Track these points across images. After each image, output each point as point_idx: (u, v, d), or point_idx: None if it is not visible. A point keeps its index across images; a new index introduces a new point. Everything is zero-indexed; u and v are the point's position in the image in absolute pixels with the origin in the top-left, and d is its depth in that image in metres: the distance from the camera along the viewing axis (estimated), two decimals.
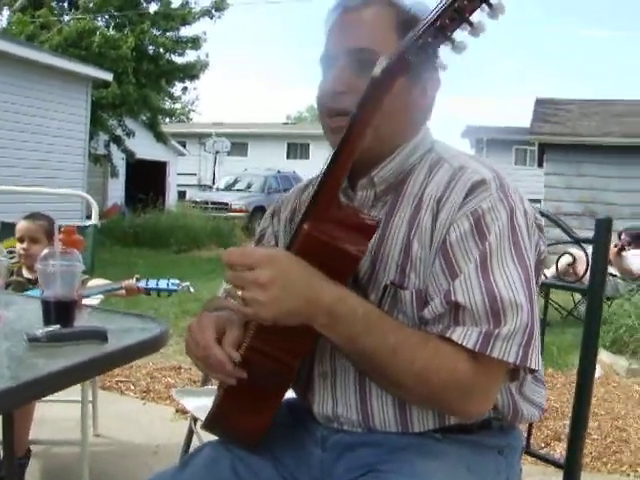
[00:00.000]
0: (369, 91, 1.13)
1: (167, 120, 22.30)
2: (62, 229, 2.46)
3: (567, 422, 1.99)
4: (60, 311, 1.60)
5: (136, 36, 15.37)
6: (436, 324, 1.19)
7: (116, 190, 19.90)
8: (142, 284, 2.97)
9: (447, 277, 1.18)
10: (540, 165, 14.78)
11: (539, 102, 15.60)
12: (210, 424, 1.42)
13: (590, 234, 1.66)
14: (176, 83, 18.35)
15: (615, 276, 7.15)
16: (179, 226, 14.49)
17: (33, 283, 3.03)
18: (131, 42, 15.05)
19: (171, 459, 1.96)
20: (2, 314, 1.72)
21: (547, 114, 14.68)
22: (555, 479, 1.86)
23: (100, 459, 3.21)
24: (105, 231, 12.40)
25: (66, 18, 16.37)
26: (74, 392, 2.78)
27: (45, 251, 1.66)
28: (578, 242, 1.74)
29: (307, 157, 32.98)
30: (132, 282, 2.96)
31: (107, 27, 16.40)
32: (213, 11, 16.59)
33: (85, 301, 2.14)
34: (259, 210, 18.13)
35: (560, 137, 13.73)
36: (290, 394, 1.39)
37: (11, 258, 3.16)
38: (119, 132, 16.62)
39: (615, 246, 7.20)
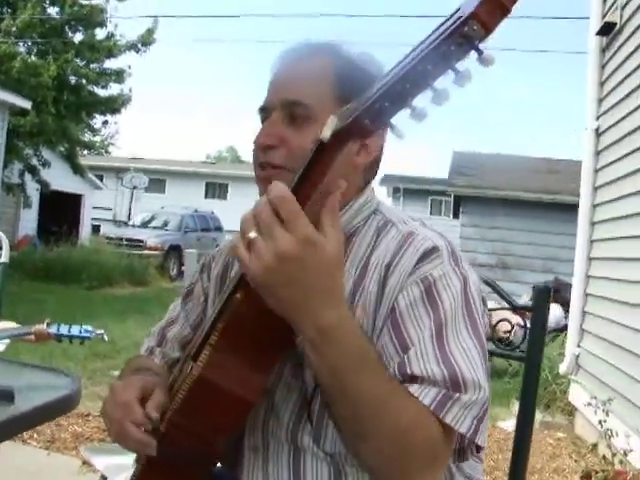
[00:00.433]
0: (316, 156, 0.96)
1: (85, 152, 21.78)
2: None
3: None
4: None
5: (59, 65, 15.01)
6: None
7: (28, 221, 19.27)
8: (53, 329, 2.78)
9: (398, 348, 1.10)
10: (455, 216, 15.14)
11: (456, 154, 16.08)
12: None
13: (505, 286, 1.66)
14: (97, 116, 18.00)
15: None
16: (92, 262, 14.11)
17: None
18: (53, 71, 14.68)
19: None
20: None
21: (463, 166, 15.12)
22: None
23: None
24: (15, 264, 11.90)
25: None
26: None
27: None
28: (516, 309, 1.74)
29: (225, 197, 32.84)
30: (43, 327, 2.77)
31: (29, 53, 15.95)
32: (139, 45, 16.40)
33: None
34: (174, 249, 17.84)
35: (476, 190, 14.12)
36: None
37: None
38: (34, 162, 16.13)
39: (531, 300, 7.36)
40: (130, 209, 22.54)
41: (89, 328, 2.83)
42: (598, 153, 5.61)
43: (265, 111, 1.28)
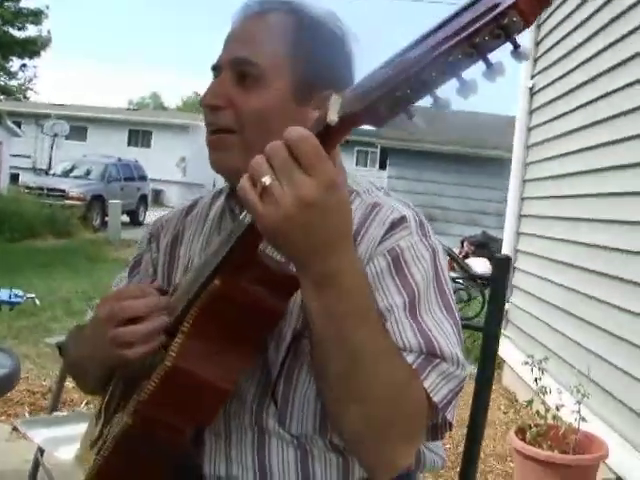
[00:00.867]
0: (321, 139, 0.83)
1: (1, 97, 20.85)
2: None
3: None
4: None
5: None
6: None
7: None
8: None
9: None
10: (382, 168, 15.24)
11: None
12: None
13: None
14: (14, 59, 17.19)
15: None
16: (12, 212, 13.62)
17: None
18: None
19: None
20: None
21: None
22: None
23: None
24: None
25: None
26: None
27: None
28: (475, 279, 1.72)
29: (149, 145, 32.11)
30: None
31: None
32: None
33: None
34: (97, 199, 17.42)
35: (403, 142, 14.23)
36: None
37: None
38: None
39: (460, 253, 7.52)
40: (51, 157, 21.74)
41: (19, 293, 2.73)
42: (532, 112, 5.69)
43: (217, 70, 1.21)
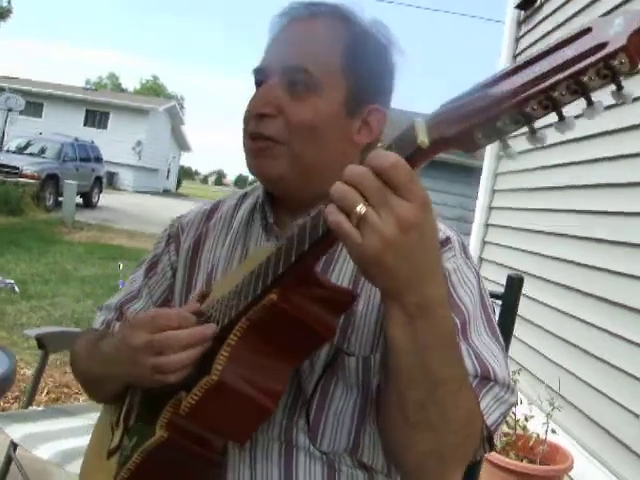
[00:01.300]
0: (409, 161, 0.81)
1: None
2: None
3: None
4: None
5: None
6: None
7: None
8: None
9: None
10: None
11: None
12: None
13: None
14: None
15: None
16: None
17: None
18: None
19: None
20: None
21: None
22: None
23: None
24: None
25: None
26: None
27: None
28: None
29: (105, 127, 31.58)
30: None
31: None
32: None
33: None
34: (51, 178, 16.95)
35: None
36: None
37: None
38: None
39: None
40: (4, 133, 21.14)
41: None
42: None
43: (261, 74, 1.17)
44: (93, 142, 21.53)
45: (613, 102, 0.72)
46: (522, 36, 5.65)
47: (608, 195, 3.72)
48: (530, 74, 0.72)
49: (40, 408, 2.62)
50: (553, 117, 0.71)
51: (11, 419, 2.26)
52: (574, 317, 3.89)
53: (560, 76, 0.69)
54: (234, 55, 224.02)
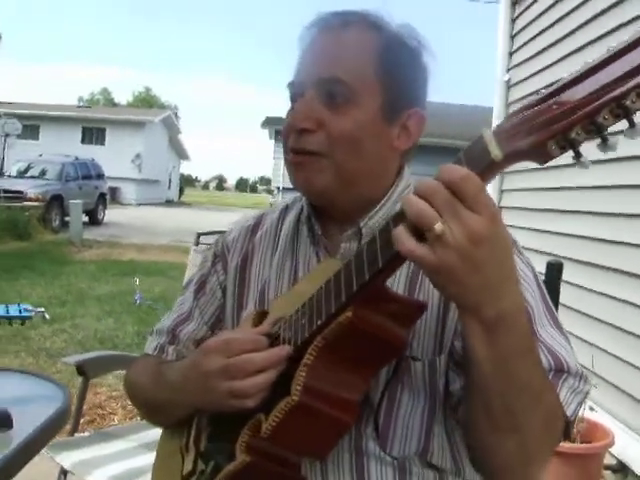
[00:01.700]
0: (483, 175, 0.81)
1: None
2: None
3: None
4: None
5: None
6: None
7: None
8: None
9: None
10: None
11: None
12: None
13: None
14: None
15: None
16: None
17: None
18: None
19: None
20: None
21: None
22: None
23: None
24: None
25: None
26: None
27: None
28: None
29: (103, 143, 31.62)
30: None
31: None
32: None
33: None
34: (56, 199, 17.01)
35: None
36: None
37: None
38: None
39: None
40: (3, 158, 21.17)
41: (29, 307, 2.66)
42: (509, 105, 5.74)
43: (297, 87, 1.18)
44: (93, 159, 21.57)
45: None
46: (517, 17, 5.64)
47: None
48: (598, 82, 0.72)
49: (86, 434, 2.63)
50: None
51: (60, 447, 2.27)
52: (605, 295, 3.88)
53: (632, 83, 0.68)
54: (227, 60, 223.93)
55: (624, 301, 3.66)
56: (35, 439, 1.32)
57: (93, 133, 32.00)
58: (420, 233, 0.81)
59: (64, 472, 2.30)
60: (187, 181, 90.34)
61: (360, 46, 1.15)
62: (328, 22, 1.18)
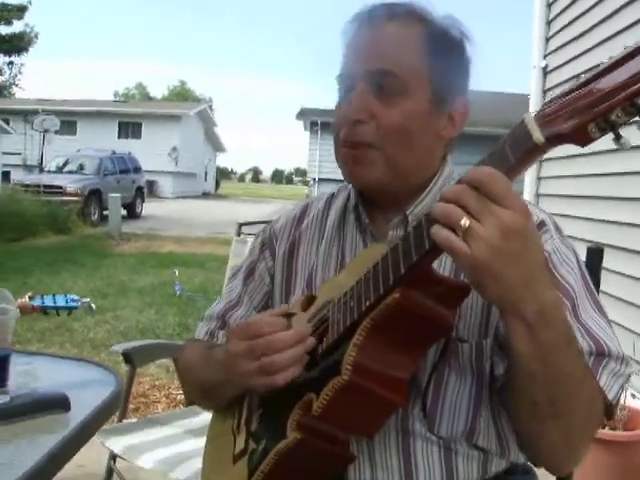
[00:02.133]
0: (525, 157, 0.86)
1: None
2: None
3: None
4: None
5: None
6: None
7: None
8: (37, 302, 2.68)
9: None
10: None
11: None
12: None
13: None
14: (0, 55, 17.00)
15: None
16: (10, 212, 13.39)
17: None
18: None
19: None
20: None
21: None
22: None
23: None
24: None
25: None
26: None
27: None
28: None
29: (139, 137, 31.96)
30: (26, 301, 2.66)
31: None
32: None
33: None
34: (94, 193, 17.30)
35: None
36: None
37: None
38: None
39: None
40: (42, 153, 21.54)
41: (75, 297, 2.73)
42: (545, 92, 5.69)
43: (347, 80, 1.21)
44: (130, 153, 21.83)
45: None
46: (552, 19, 5.59)
47: None
48: (637, 65, 0.74)
49: (133, 420, 2.70)
50: None
51: (109, 433, 2.34)
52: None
53: None
54: (260, 53, 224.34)
55: None
56: (91, 421, 1.37)
57: (129, 127, 32.39)
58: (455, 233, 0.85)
59: (113, 457, 2.37)
60: (223, 173, 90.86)
61: (407, 38, 1.18)
62: (375, 15, 1.21)
